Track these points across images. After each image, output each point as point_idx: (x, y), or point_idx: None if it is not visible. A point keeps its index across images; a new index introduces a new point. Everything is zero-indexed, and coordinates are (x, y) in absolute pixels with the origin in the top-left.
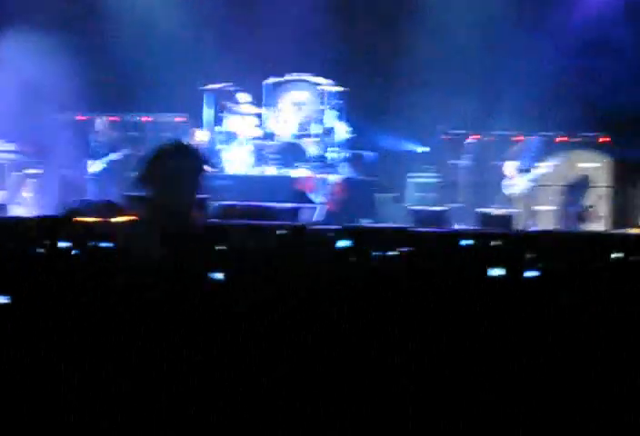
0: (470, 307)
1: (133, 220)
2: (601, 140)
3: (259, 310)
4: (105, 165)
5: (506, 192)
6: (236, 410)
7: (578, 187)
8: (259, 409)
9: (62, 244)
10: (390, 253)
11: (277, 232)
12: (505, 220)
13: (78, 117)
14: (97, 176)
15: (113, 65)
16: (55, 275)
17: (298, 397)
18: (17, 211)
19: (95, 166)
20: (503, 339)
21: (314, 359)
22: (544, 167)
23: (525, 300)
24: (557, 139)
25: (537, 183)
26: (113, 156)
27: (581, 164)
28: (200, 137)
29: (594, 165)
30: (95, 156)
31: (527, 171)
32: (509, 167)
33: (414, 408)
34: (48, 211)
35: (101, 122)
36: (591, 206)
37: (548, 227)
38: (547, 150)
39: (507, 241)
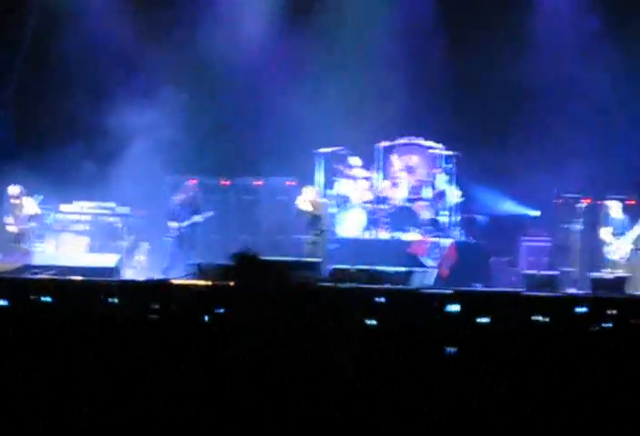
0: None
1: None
2: None
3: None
4: (183, 226)
5: (610, 257)
6: None
7: None
8: None
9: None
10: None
11: (376, 299)
12: (618, 284)
13: (190, 180)
14: (176, 237)
15: (224, 128)
16: (167, 340)
17: None
18: (130, 274)
19: (172, 227)
20: None
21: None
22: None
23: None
24: None
25: (638, 247)
26: (196, 218)
27: None
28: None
29: None
30: (177, 218)
31: (622, 234)
32: (604, 233)
33: None
34: (159, 274)
35: (187, 184)
36: None
37: None
38: None
39: (621, 307)
